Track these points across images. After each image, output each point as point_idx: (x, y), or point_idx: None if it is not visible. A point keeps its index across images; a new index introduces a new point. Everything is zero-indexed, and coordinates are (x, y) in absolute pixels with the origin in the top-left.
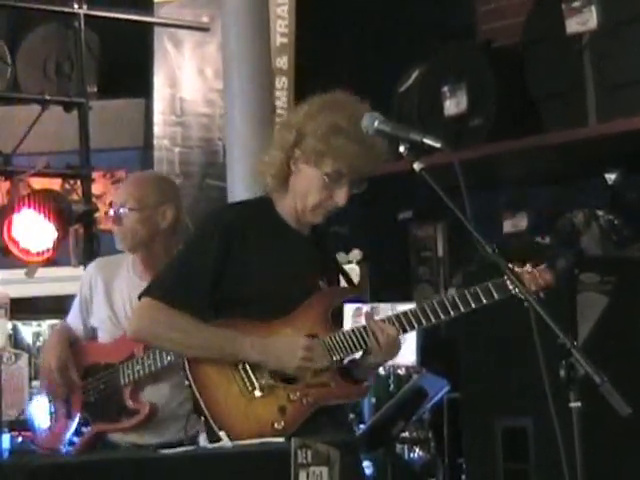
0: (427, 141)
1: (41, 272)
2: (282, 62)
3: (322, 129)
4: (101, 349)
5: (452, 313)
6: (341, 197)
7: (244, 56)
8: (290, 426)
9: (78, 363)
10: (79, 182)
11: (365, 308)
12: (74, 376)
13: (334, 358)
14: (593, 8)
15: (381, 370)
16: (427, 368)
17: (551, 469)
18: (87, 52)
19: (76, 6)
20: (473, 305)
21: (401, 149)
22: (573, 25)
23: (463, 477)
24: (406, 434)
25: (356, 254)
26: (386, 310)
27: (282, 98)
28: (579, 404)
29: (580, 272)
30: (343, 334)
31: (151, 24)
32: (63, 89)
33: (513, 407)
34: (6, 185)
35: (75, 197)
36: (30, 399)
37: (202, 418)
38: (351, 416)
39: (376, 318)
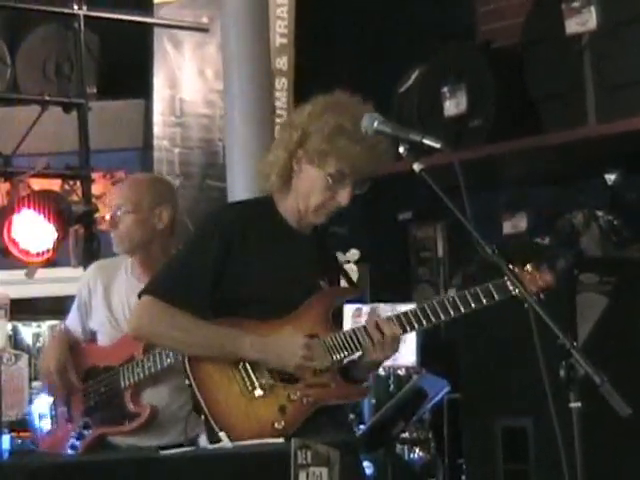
0: (427, 142)
1: (41, 273)
2: (282, 63)
3: (326, 129)
4: (101, 352)
5: (452, 313)
6: (344, 197)
7: (244, 57)
8: (290, 426)
9: (78, 366)
10: (79, 183)
11: (365, 308)
12: (74, 379)
13: (334, 358)
14: (592, 8)
15: (381, 371)
16: (427, 369)
17: (551, 469)
18: (87, 53)
19: (76, 7)
20: (473, 306)
21: (401, 150)
22: (572, 25)
23: (463, 477)
24: (406, 434)
25: (354, 254)
26: (386, 310)
27: (282, 99)
28: (579, 404)
29: (580, 272)
30: (343, 334)
31: (151, 25)
32: (63, 90)
33: (513, 407)
34: (6, 186)
35: (75, 198)
36: (30, 400)
37: (202, 417)
38: (351, 417)
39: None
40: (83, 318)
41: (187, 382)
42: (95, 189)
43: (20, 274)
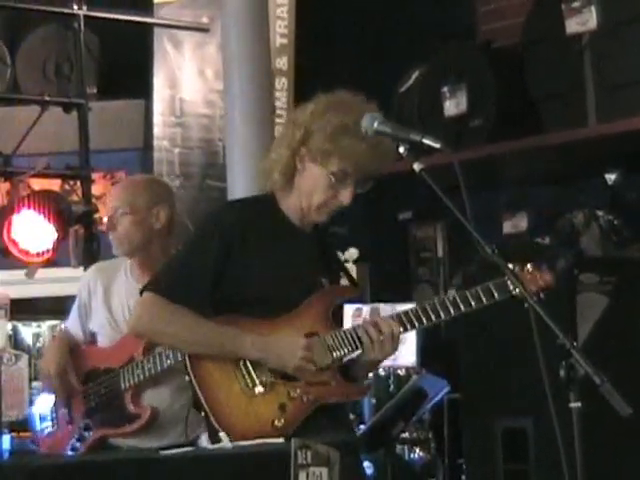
0: (427, 141)
1: (41, 273)
2: (282, 63)
3: (329, 128)
4: (101, 354)
5: (452, 312)
6: (346, 196)
7: (244, 57)
8: (290, 424)
9: (78, 368)
10: (79, 183)
11: (365, 308)
12: (74, 381)
13: (334, 356)
14: (593, 8)
15: (381, 371)
16: (427, 369)
17: (551, 469)
18: (87, 53)
19: (76, 7)
20: (474, 305)
21: (401, 150)
22: (573, 25)
23: (463, 477)
24: (406, 435)
25: (353, 253)
26: (386, 311)
27: (282, 99)
28: (579, 404)
29: (580, 272)
30: (344, 332)
31: (151, 25)
32: (63, 90)
33: (513, 407)
34: (6, 186)
35: (75, 198)
36: (31, 400)
37: (202, 413)
38: (351, 417)
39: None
40: (83, 320)
41: (187, 379)
42: (95, 189)
43: (20, 274)
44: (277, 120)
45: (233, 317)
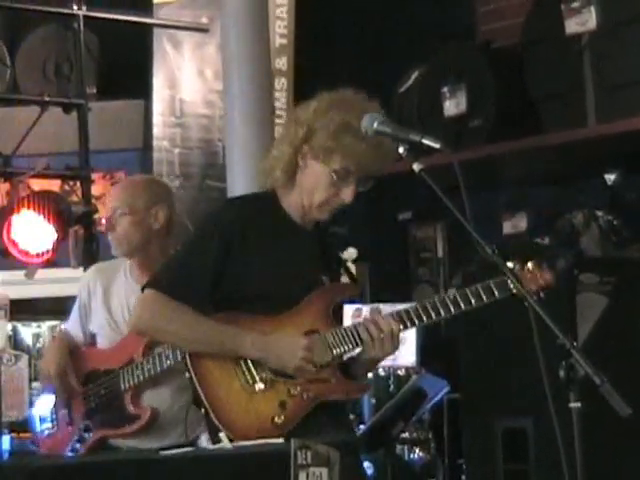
0: (426, 142)
1: (41, 273)
2: (281, 63)
3: (331, 126)
4: (100, 355)
5: (453, 310)
6: (348, 194)
7: (243, 57)
8: (290, 421)
9: (78, 369)
10: (78, 183)
11: (365, 309)
12: (74, 382)
13: (334, 353)
14: (592, 9)
15: (381, 371)
16: (427, 369)
17: (551, 469)
18: (86, 53)
19: (75, 7)
20: (474, 303)
21: (400, 150)
22: (572, 26)
23: (463, 477)
24: (406, 435)
25: (352, 253)
26: (386, 311)
27: (281, 99)
28: (579, 404)
29: (580, 273)
30: (344, 330)
31: (150, 25)
32: (62, 90)
33: (513, 407)
34: (6, 186)
35: (75, 198)
36: (31, 401)
37: (202, 410)
38: (351, 417)
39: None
40: (83, 321)
41: (187, 376)
42: (95, 190)
43: (20, 275)
44: (277, 120)
45: (233, 314)
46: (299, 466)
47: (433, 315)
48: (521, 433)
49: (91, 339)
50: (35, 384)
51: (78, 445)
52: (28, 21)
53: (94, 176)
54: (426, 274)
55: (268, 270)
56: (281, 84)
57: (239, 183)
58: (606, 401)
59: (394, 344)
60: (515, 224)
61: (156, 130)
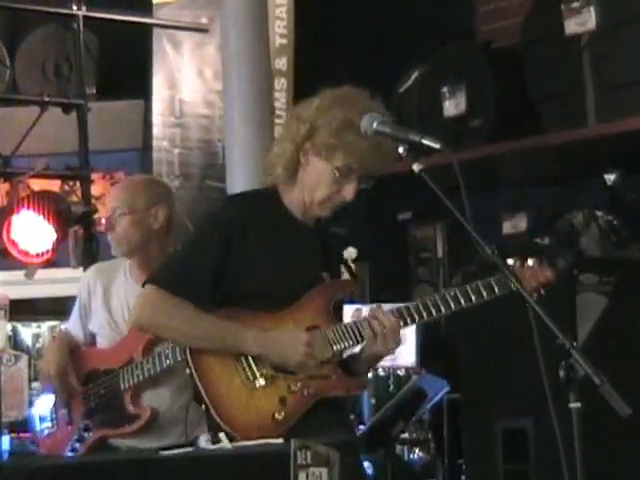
0: (426, 142)
1: (40, 273)
2: (281, 63)
3: (334, 124)
4: (100, 354)
5: (453, 307)
6: (349, 192)
7: (243, 57)
8: (291, 417)
9: (78, 369)
10: (78, 183)
11: (365, 309)
12: (74, 382)
13: (335, 349)
14: (592, 9)
15: (381, 371)
16: (427, 369)
17: (551, 469)
18: (86, 53)
19: (75, 7)
20: (474, 299)
21: (400, 150)
22: (572, 26)
23: (463, 478)
24: (406, 435)
25: (352, 252)
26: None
27: (281, 99)
28: (579, 405)
29: (579, 273)
30: (345, 326)
31: (150, 25)
32: (62, 90)
33: (513, 407)
34: (5, 187)
35: (74, 198)
36: (30, 401)
37: (203, 406)
38: (351, 417)
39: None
40: (83, 321)
41: (188, 372)
42: (95, 190)
43: (19, 275)
44: (276, 121)
45: (234, 311)
46: (299, 466)
47: (433, 312)
48: (521, 433)
49: (91, 339)
50: (35, 384)
51: (78, 445)
52: (28, 21)
53: (94, 176)
54: (426, 274)
55: (269, 266)
56: (281, 84)
57: (239, 183)
58: (606, 401)
59: (396, 340)
60: (515, 224)
61: (156, 130)
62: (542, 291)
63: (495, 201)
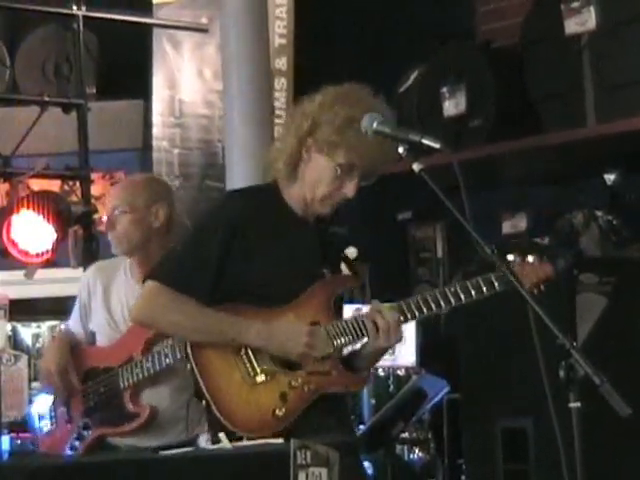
0: (426, 142)
1: (40, 273)
2: (281, 63)
3: (336, 121)
4: (100, 353)
5: (453, 302)
6: (351, 189)
7: (243, 57)
8: (291, 413)
9: (78, 367)
10: (78, 183)
11: (365, 309)
12: (74, 380)
13: (336, 344)
14: (592, 9)
15: (381, 371)
16: (426, 369)
17: (551, 469)
18: (86, 53)
19: (75, 7)
20: (474, 295)
21: (400, 150)
22: (572, 26)
23: (463, 478)
24: (406, 435)
25: (352, 252)
26: None
27: (281, 99)
28: (579, 404)
29: (579, 273)
30: (345, 322)
31: (150, 25)
32: (62, 90)
33: (513, 407)
34: (5, 187)
35: (74, 198)
36: (30, 400)
37: (203, 402)
38: (351, 417)
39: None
40: (84, 320)
41: (189, 367)
42: (94, 190)
43: (19, 275)
44: (276, 120)
45: (234, 306)
46: (299, 466)
47: (433, 307)
48: (521, 433)
49: (92, 338)
50: (34, 384)
51: (77, 443)
52: (28, 21)
53: (94, 176)
54: (426, 274)
55: (269, 262)
56: (281, 84)
57: (239, 183)
58: (606, 401)
59: (398, 334)
60: (515, 224)
61: (155, 130)
62: (542, 287)
63: (495, 201)
